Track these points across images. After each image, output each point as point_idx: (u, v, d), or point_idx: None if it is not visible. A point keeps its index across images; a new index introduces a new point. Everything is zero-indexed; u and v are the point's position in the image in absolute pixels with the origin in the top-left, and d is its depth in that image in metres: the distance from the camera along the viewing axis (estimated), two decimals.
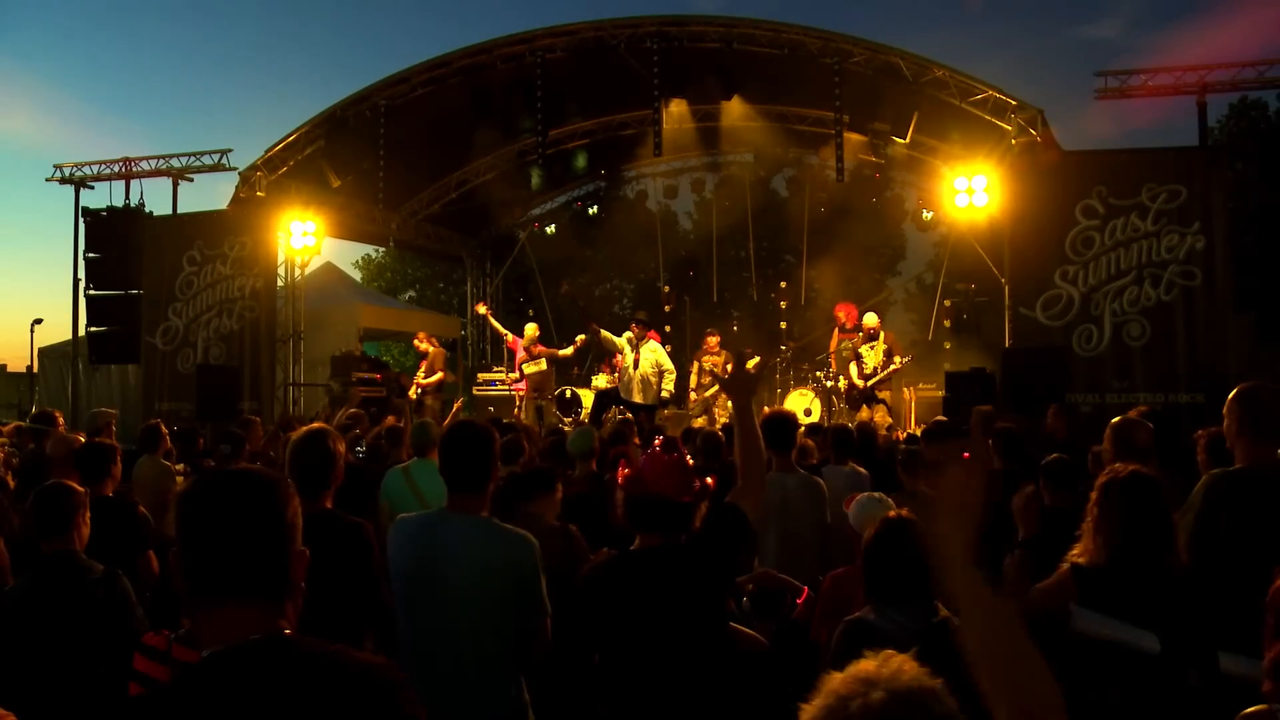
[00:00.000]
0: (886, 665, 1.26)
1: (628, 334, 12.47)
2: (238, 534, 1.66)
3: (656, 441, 3.27)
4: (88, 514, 3.82)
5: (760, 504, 3.25)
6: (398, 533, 3.37)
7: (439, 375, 14.00)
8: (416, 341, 14.61)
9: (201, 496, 1.70)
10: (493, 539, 3.29)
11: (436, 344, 14.54)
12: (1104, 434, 4.95)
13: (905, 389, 13.99)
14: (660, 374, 12.17)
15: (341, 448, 3.75)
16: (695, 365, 13.70)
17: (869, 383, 12.07)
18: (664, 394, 12.28)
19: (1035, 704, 1.47)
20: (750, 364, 3.44)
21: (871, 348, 12.25)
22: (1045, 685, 1.49)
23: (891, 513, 3.22)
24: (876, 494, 4.36)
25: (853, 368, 12.39)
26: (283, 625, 1.67)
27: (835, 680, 1.26)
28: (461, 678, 3.16)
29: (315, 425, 3.94)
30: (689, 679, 3.01)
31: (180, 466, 7.32)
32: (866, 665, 1.27)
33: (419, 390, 13.99)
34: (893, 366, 12.03)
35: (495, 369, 15.93)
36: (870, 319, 12.45)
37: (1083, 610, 3.07)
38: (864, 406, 11.98)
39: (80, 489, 3.84)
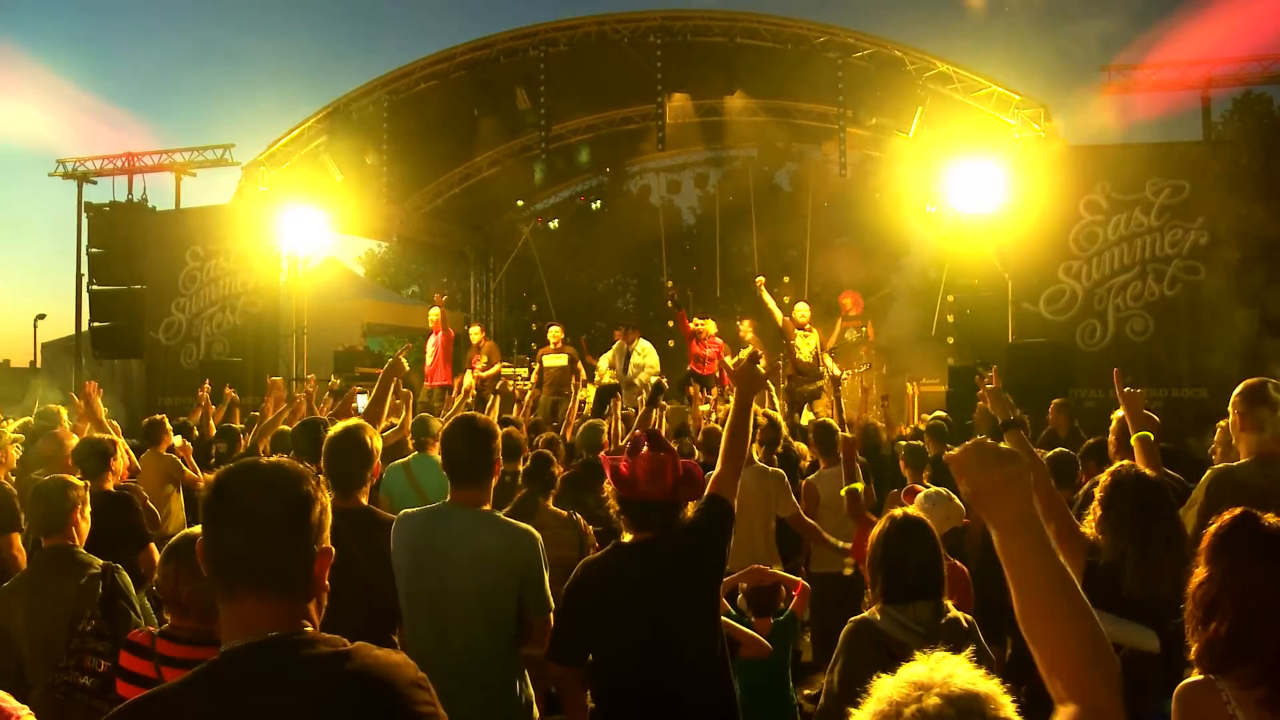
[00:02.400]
0: (938, 669, 1.24)
1: (615, 346, 12.55)
2: (260, 528, 1.63)
3: (641, 438, 3.27)
4: (87, 509, 3.81)
5: (736, 490, 3.31)
6: (400, 528, 3.37)
7: (496, 368, 13.58)
8: (472, 332, 14.08)
9: (226, 487, 1.67)
10: (494, 532, 3.29)
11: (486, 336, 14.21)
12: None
13: (908, 384, 13.97)
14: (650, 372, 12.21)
15: (378, 443, 3.73)
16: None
17: (815, 384, 11.89)
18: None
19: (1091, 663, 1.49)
20: (762, 364, 3.49)
21: (806, 338, 12.06)
22: (1097, 641, 1.50)
23: (897, 512, 3.20)
24: (943, 490, 4.32)
25: (783, 360, 12.12)
26: (304, 623, 1.64)
27: (887, 685, 1.24)
28: (464, 673, 3.15)
29: (352, 420, 3.90)
30: (684, 666, 3.03)
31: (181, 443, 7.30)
32: (918, 668, 1.25)
33: (479, 381, 13.59)
34: (824, 380, 11.69)
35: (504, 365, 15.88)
36: (801, 311, 12.20)
37: None
38: (805, 408, 11.78)
39: (78, 484, 3.83)
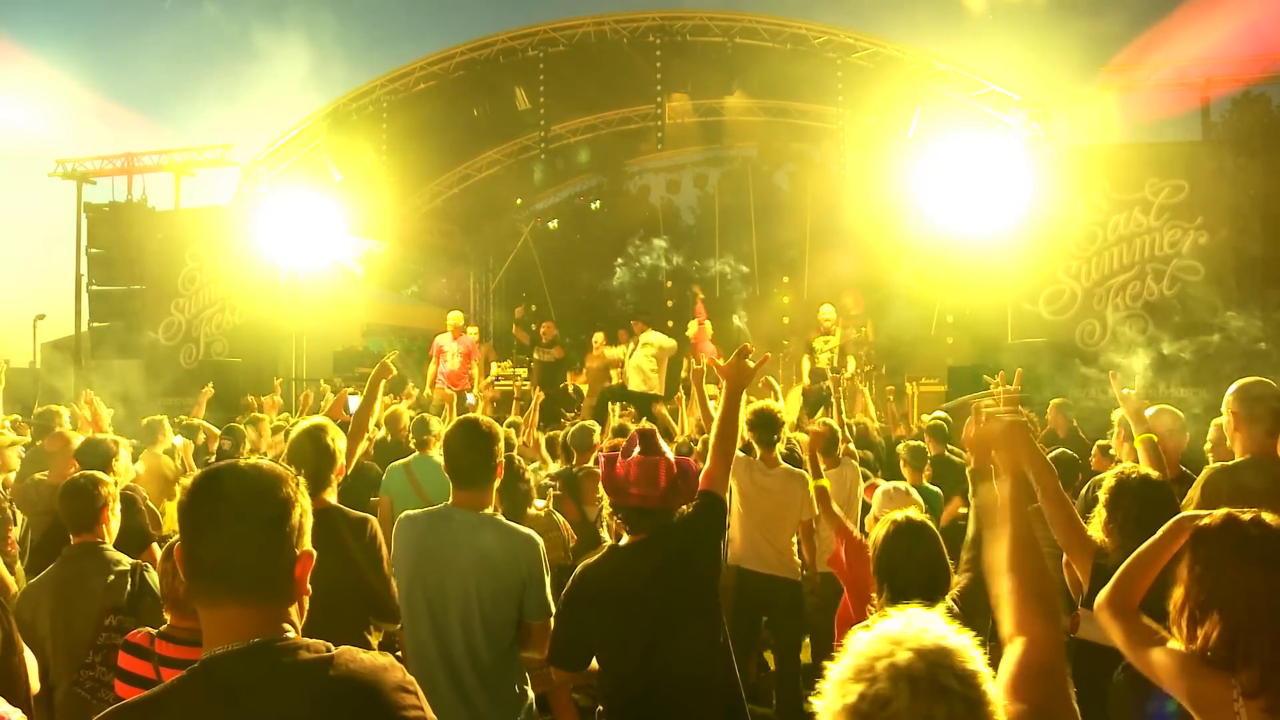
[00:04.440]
0: (911, 624, 1.26)
1: (629, 342, 12.61)
2: (240, 533, 1.60)
3: (634, 440, 3.27)
4: (116, 506, 3.79)
5: (727, 484, 3.34)
6: (402, 530, 3.36)
7: (494, 374, 13.70)
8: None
9: (203, 492, 1.62)
10: (495, 535, 3.28)
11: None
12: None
13: (908, 384, 13.97)
14: (658, 358, 12.20)
15: (341, 443, 3.72)
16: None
17: (823, 383, 11.94)
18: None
19: (1045, 600, 1.76)
20: (749, 358, 3.48)
21: (826, 342, 12.16)
22: (1053, 588, 1.81)
23: (901, 515, 3.21)
24: (901, 485, 4.31)
25: (805, 361, 12.32)
26: (285, 627, 1.62)
27: (863, 640, 1.27)
28: (464, 676, 3.16)
29: (313, 421, 3.90)
30: (688, 664, 3.03)
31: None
32: (893, 624, 1.27)
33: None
34: (843, 376, 11.73)
35: (500, 363, 15.90)
36: (826, 312, 12.32)
37: (1090, 614, 3.07)
38: (821, 409, 11.79)
39: (109, 481, 3.82)
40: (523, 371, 14.57)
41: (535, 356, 13.59)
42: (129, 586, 3.49)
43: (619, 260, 18.69)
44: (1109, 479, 3.33)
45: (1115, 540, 3.19)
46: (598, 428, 7.09)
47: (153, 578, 3.57)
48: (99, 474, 3.86)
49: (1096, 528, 3.29)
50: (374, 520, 3.55)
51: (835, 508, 4.49)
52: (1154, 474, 3.36)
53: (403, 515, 3.43)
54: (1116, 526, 3.20)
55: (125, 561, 3.60)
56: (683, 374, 12.98)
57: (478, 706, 3.14)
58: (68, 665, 3.35)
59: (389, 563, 3.45)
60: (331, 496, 3.62)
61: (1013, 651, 1.65)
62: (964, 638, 1.26)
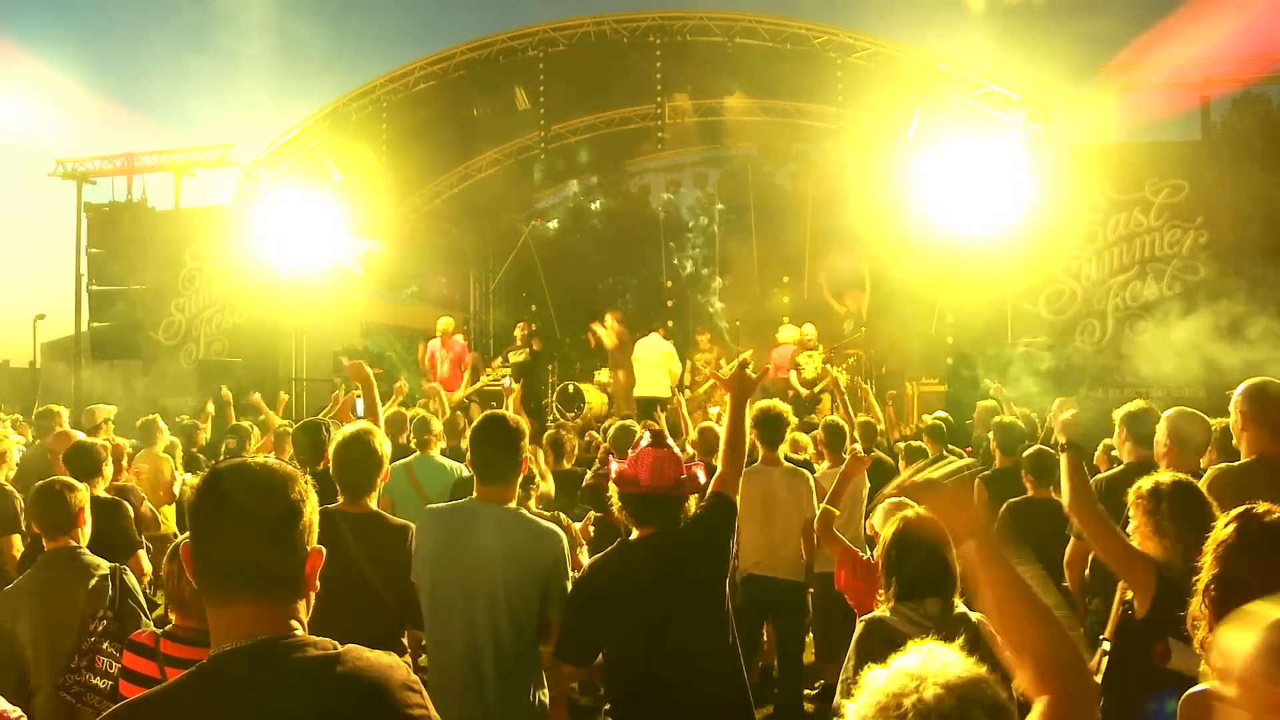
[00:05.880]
0: (932, 658, 1.24)
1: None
2: (248, 531, 1.60)
3: (645, 439, 3.29)
4: (87, 512, 3.79)
5: (738, 489, 3.38)
6: (428, 522, 3.38)
7: (481, 383, 13.50)
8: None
9: (214, 490, 1.63)
10: (521, 530, 3.31)
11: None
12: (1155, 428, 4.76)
13: (908, 384, 13.97)
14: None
15: (388, 447, 3.73)
16: (688, 364, 13.70)
17: (816, 389, 12.32)
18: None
19: (1056, 652, 1.58)
20: (750, 368, 3.56)
21: (810, 356, 12.76)
22: (1062, 635, 1.60)
23: (909, 512, 3.20)
24: (905, 500, 4.31)
25: (793, 375, 12.83)
26: (293, 624, 1.63)
27: (881, 678, 1.24)
28: (485, 668, 3.17)
29: (361, 425, 3.88)
30: (693, 661, 3.04)
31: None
32: (911, 660, 1.25)
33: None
34: (826, 380, 12.21)
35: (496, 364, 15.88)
36: (809, 330, 13.03)
37: (1180, 645, 3.00)
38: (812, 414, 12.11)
39: (81, 487, 3.81)
40: (506, 370, 14.54)
41: (511, 359, 13.61)
42: (110, 590, 3.49)
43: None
44: (1145, 488, 3.23)
45: (1179, 550, 3.07)
46: (639, 427, 7.05)
47: (131, 581, 3.59)
48: (71, 479, 3.86)
49: (1150, 543, 3.20)
50: (413, 527, 3.55)
51: (837, 532, 4.46)
52: (1184, 478, 3.29)
53: (428, 509, 3.47)
54: (1171, 540, 3.11)
55: (104, 565, 3.60)
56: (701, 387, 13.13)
57: (495, 698, 3.15)
58: (50, 671, 3.35)
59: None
60: (373, 502, 3.63)
61: (1035, 711, 1.57)
62: (983, 669, 1.25)
